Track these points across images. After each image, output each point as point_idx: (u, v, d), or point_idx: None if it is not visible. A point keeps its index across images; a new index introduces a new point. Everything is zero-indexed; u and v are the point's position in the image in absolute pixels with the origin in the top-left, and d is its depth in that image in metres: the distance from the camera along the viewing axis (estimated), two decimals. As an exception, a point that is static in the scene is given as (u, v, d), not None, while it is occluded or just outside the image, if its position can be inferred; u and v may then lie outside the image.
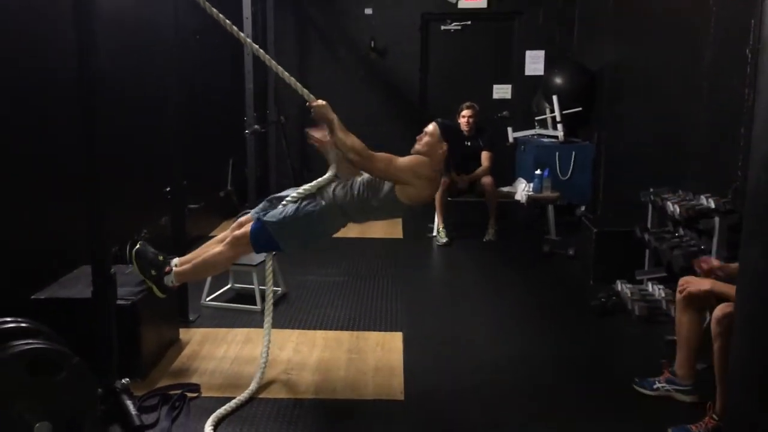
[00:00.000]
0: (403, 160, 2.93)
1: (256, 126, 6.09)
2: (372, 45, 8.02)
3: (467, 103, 6.26)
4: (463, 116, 6.19)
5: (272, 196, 3.18)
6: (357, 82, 8.14)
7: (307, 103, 3.03)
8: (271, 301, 3.32)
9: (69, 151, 3.32)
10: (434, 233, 6.17)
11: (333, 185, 3.06)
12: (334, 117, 2.96)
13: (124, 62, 4.20)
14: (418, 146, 3.04)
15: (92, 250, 2.79)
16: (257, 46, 3.13)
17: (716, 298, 2.82)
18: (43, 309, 2.97)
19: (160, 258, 3.13)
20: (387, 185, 2.95)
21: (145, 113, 4.50)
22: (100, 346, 2.78)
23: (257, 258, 4.33)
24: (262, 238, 2.99)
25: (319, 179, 3.07)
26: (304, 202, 3.00)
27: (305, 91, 3.09)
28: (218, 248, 3.08)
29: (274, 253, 3.29)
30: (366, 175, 3.01)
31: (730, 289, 2.79)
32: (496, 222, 6.12)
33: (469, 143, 6.19)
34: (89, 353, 2.53)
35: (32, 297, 3.06)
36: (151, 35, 4.32)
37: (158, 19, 3.89)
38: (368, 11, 8.03)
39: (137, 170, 4.45)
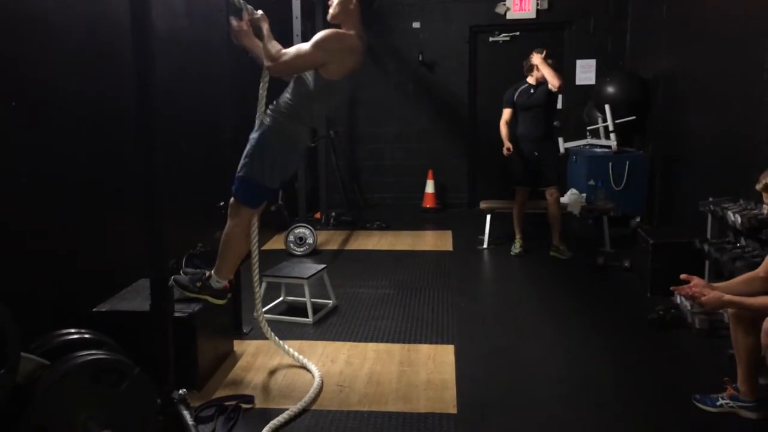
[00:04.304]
0: (309, 42, 3.00)
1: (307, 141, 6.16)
2: (420, 58, 8.06)
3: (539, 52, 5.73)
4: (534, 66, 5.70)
5: None
6: (407, 96, 8.19)
7: (249, 17, 3.14)
8: (261, 311, 3.54)
9: (128, 168, 3.43)
10: (485, 245, 6.13)
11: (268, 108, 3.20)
12: (265, 26, 3.07)
13: (179, 81, 4.32)
14: (330, 11, 3.14)
15: (151, 265, 2.87)
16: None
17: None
18: (104, 321, 3.06)
19: (204, 273, 3.30)
20: (311, 73, 3.05)
21: (200, 129, 4.62)
22: (158, 357, 2.85)
23: (308, 271, 4.39)
24: (242, 188, 3.17)
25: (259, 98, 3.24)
26: (252, 133, 3.17)
27: (242, 1, 3.15)
28: (227, 224, 3.26)
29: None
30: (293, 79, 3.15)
31: (739, 301, 2.71)
32: (560, 237, 5.84)
33: (533, 91, 5.74)
34: (147, 364, 2.60)
35: (94, 309, 3.17)
36: (205, 55, 4.45)
37: (212, 38, 4.00)
38: (416, 25, 8.09)
39: (193, 186, 4.56)
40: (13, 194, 2.77)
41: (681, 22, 5.86)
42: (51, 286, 2.99)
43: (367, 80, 8.15)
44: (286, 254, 5.92)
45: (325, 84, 3.06)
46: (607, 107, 6.71)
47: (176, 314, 3.04)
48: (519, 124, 5.83)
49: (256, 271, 3.56)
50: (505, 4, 7.85)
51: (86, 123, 3.34)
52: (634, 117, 6.65)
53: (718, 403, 2.96)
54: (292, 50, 3.03)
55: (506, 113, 5.86)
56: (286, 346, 3.59)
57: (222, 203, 3.92)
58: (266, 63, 3.03)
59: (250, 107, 5.26)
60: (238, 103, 4.06)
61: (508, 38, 8.11)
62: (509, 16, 7.89)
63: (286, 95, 3.16)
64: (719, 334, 3.79)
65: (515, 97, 5.81)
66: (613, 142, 6.65)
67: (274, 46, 3.01)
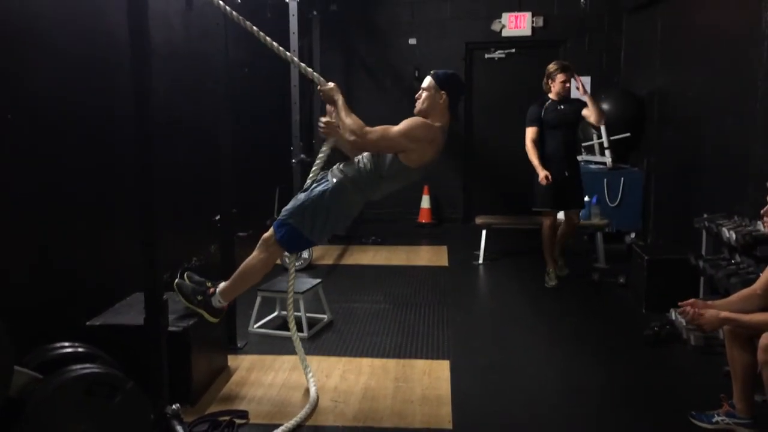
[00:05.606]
0: (396, 128, 2.95)
1: (302, 155, 6.19)
2: (416, 75, 8.10)
3: (558, 65, 5.28)
4: (561, 82, 5.22)
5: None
6: (402, 112, 8.18)
7: (318, 87, 3.12)
8: (295, 331, 3.47)
9: (123, 181, 3.43)
10: (480, 260, 6.13)
11: (340, 164, 3.12)
12: (339, 98, 3.05)
13: (176, 94, 4.33)
14: (418, 105, 3.11)
15: (145, 278, 2.86)
16: (283, 49, 3.16)
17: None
18: (98, 335, 3.04)
19: (207, 283, 3.23)
20: (390, 155, 3.00)
21: (196, 143, 4.62)
22: (152, 371, 2.83)
23: (304, 286, 4.38)
24: (287, 234, 3.05)
25: (320, 156, 3.16)
26: (314, 185, 3.09)
27: (315, 74, 3.17)
28: (252, 254, 3.15)
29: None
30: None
31: (736, 318, 2.72)
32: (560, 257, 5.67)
33: (562, 107, 5.27)
34: (141, 378, 2.58)
35: (87, 323, 3.14)
36: (202, 68, 4.47)
37: (209, 52, 4.02)
38: (412, 41, 8.13)
39: (188, 199, 4.56)
40: (7, 208, 2.76)
41: (675, 39, 5.91)
42: (44, 299, 2.98)
43: (362, 95, 8.19)
44: (281, 269, 5.89)
45: (402, 168, 3.01)
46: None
47: (171, 328, 3.02)
48: (546, 143, 5.31)
49: (291, 296, 3.51)
50: (500, 22, 7.91)
51: (83, 137, 3.34)
52: (628, 134, 6.68)
53: (714, 420, 2.96)
54: (378, 130, 2.95)
55: (533, 132, 5.30)
56: (306, 363, 3.53)
57: (218, 217, 3.93)
58: (349, 137, 2.94)
59: (247, 121, 5.27)
60: (234, 117, 4.07)
61: (503, 55, 8.17)
62: (505, 33, 7.94)
63: (360, 165, 3.08)
64: (714, 350, 3.79)
65: (542, 115, 5.29)
66: (608, 158, 6.68)
67: (354, 119, 2.96)
